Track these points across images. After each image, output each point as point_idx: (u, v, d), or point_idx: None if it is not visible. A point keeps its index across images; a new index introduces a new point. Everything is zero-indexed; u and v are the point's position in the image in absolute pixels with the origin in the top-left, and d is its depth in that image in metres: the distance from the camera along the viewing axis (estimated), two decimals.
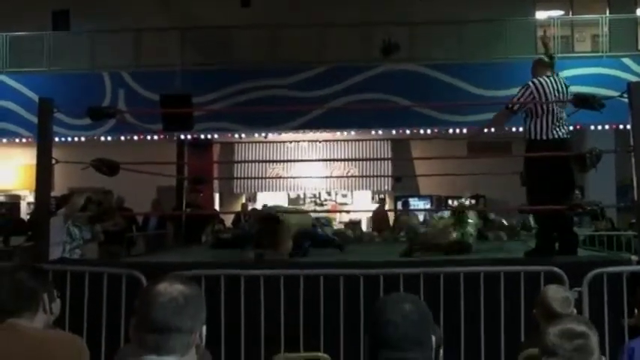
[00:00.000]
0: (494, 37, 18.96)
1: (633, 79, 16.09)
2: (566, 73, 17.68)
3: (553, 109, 8.27)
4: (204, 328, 2.78)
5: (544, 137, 8.23)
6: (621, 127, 15.73)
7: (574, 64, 18.44)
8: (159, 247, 14.01)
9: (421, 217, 17.32)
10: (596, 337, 3.32)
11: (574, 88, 15.71)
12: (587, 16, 20.98)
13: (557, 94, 8.34)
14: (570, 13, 21.55)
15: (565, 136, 8.35)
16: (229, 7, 20.03)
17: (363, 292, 6.83)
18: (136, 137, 18.97)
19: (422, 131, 19.01)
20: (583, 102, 8.14)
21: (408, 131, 19.24)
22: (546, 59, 8.86)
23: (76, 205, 10.19)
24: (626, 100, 7.69)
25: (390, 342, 2.78)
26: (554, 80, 8.46)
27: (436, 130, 18.70)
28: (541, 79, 8.41)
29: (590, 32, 21.23)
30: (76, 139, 18.51)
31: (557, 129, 8.25)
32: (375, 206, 22.62)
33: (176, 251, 11.53)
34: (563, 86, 8.47)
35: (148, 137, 18.76)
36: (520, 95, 8.40)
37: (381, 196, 22.41)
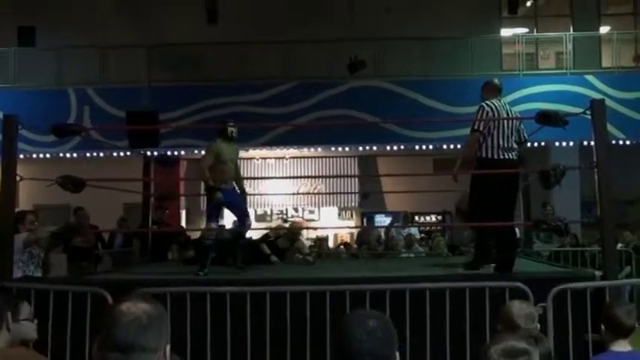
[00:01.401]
0: (460, 54, 19.08)
1: (596, 96, 16.26)
2: (530, 90, 17.99)
3: (505, 131, 8.39)
4: (168, 347, 2.77)
5: (495, 157, 8.36)
6: (585, 143, 15.90)
7: (538, 81, 18.64)
8: (125, 264, 13.92)
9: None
10: (537, 353, 3.33)
11: (538, 105, 16.02)
12: (551, 33, 21.22)
13: (506, 116, 8.51)
14: (535, 30, 21.78)
15: (514, 157, 8.50)
16: (196, 24, 20.00)
17: (330, 308, 6.84)
18: (101, 154, 18.90)
19: (388, 148, 19.09)
20: (547, 119, 8.23)
21: (374, 148, 19.29)
22: (496, 82, 8.97)
23: (38, 237, 10.06)
24: (589, 117, 7.78)
25: (354, 358, 2.79)
26: (503, 104, 8.65)
27: (402, 147, 18.79)
28: (493, 101, 8.56)
29: (555, 50, 21.48)
30: (41, 155, 18.40)
31: (507, 152, 8.39)
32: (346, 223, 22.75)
33: (142, 268, 11.47)
34: (510, 112, 8.67)
35: (114, 154, 18.69)
36: (480, 116, 8.49)
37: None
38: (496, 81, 9.06)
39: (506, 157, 8.39)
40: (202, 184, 10.44)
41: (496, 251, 8.72)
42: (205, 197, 10.09)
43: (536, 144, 16.76)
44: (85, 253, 14.27)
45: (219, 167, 9.88)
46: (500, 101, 8.63)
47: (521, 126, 8.73)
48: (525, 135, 8.75)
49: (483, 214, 8.34)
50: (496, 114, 8.44)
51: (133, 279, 8.68)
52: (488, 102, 8.56)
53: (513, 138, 8.50)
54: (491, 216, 8.26)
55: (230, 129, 10.13)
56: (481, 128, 8.44)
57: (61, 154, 18.76)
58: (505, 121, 8.41)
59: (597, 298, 7.00)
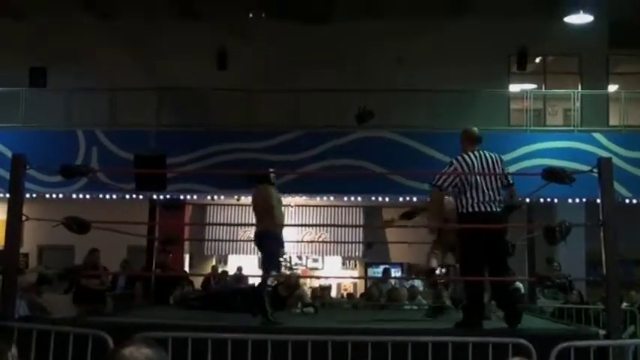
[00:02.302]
0: (468, 107, 19.14)
1: (604, 154, 16.28)
2: (537, 146, 18.00)
3: (479, 184, 8.32)
4: None
5: (470, 210, 8.29)
6: (591, 200, 15.86)
7: (546, 138, 18.65)
8: (127, 307, 13.90)
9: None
10: None
11: (545, 161, 16.03)
12: (559, 90, 21.32)
13: (482, 169, 8.41)
14: (543, 87, 21.88)
15: (496, 209, 8.38)
16: (206, 70, 20.18)
17: (332, 358, 6.79)
18: (108, 196, 18.90)
19: (394, 199, 19.09)
20: (553, 175, 8.22)
21: (380, 198, 19.29)
22: (474, 130, 8.88)
23: (26, 282, 10.06)
24: (596, 174, 7.77)
25: None
26: (480, 155, 8.50)
27: (408, 198, 18.80)
28: (465, 155, 8.48)
29: (562, 106, 21.58)
30: (47, 195, 18.40)
31: (486, 203, 8.30)
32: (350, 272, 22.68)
33: (144, 312, 11.43)
34: (491, 160, 8.50)
35: (120, 196, 18.70)
36: (444, 171, 8.46)
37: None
38: (473, 130, 8.92)
39: (485, 209, 8.30)
40: (258, 229, 10.36)
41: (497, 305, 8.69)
42: (262, 243, 10.09)
43: (542, 200, 16.76)
44: (98, 295, 14.35)
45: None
46: (476, 153, 8.51)
47: (504, 170, 8.65)
48: (510, 178, 8.65)
49: (472, 270, 8.30)
50: (464, 166, 8.37)
51: (134, 322, 8.63)
52: (458, 157, 8.50)
53: (495, 188, 8.40)
54: (480, 271, 8.23)
55: (272, 174, 10.27)
56: (439, 183, 8.42)
57: (68, 195, 18.78)
58: (474, 172, 8.36)
59: (601, 357, 6.95)
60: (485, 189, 8.31)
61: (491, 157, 8.55)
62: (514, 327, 8.06)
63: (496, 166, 8.52)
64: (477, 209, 8.28)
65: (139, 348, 2.72)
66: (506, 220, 9.00)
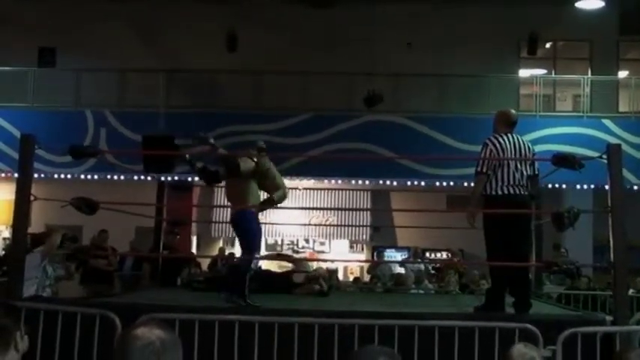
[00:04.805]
0: (478, 92, 19.09)
1: (613, 140, 16.23)
2: (547, 132, 17.95)
3: (509, 167, 8.27)
4: None
5: (499, 192, 8.22)
6: (600, 187, 15.83)
7: (555, 123, 18.61)
8: (134, 287, 13.93)
9: (401, 269, 17.33)
10: None
11: (554, 147, 15.98)
12: (569, 76, 21.25)
13: (515, 153, 8.35)
14: (553, 72, 21.81)
15: (522, 193, 8.30)
16: (216, 52, 20.14)
17: (338, 341, 6.79)
18: (116, 177, 18.94)
19: (402, 183, 19.09)
20: (563, 161, 8.16)
21: (388, 182, 19.29)
22: (512, 113, 8.81)
23: (54, 243, 10.13)
24: (605, 161, 7.73)
25: None
26: (513, 138, 8.43)
27: (416, 183, 18.81)
28: (498, 137, 8.39)
29: (572, 92, 21.51)
30: (56, 176, 18.44)
31: (513, 187, 8.24)
32: (357, 256, 22.65)
33: (151, 293, 11.45)
34: (523, 145, 8.45)
35: (129, 177, 18.72)
36: (483, 155, 8.39)
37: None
38: (510, 112, 8.84)
39: (512, 192, 8.22)
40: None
41: (509, 290, 8.63)
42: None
43: (550, 186, 16.71)
44: (106, 276, 14.38)
45: None
46: (509, 136, 8.44)
47: (533, 160, 8.59)
48: (537, 169, 8.59)
49: (495, 253, 8.25)
50: (498, 147, 8.30)
51: (142, 303, 8.64)
52: (492, 138, 8.41)
53: (525, 173, 8.32)
54: (502, 255, 8.15)
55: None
56: (484, 170, 8.33)
57: (76, 175, 18.81)
58: (507, 154, 8.28)
59: (607, 343, 6.94)
60: (514, 172, 8.25)
61: (524, 143, 8.49)
62: (521, 312, 8.03)
63: (528, 153, 8.47)
64: (505, 192, 8.20)
65: (150, 329, 2.74)
66: (532, 206, 8.92)
